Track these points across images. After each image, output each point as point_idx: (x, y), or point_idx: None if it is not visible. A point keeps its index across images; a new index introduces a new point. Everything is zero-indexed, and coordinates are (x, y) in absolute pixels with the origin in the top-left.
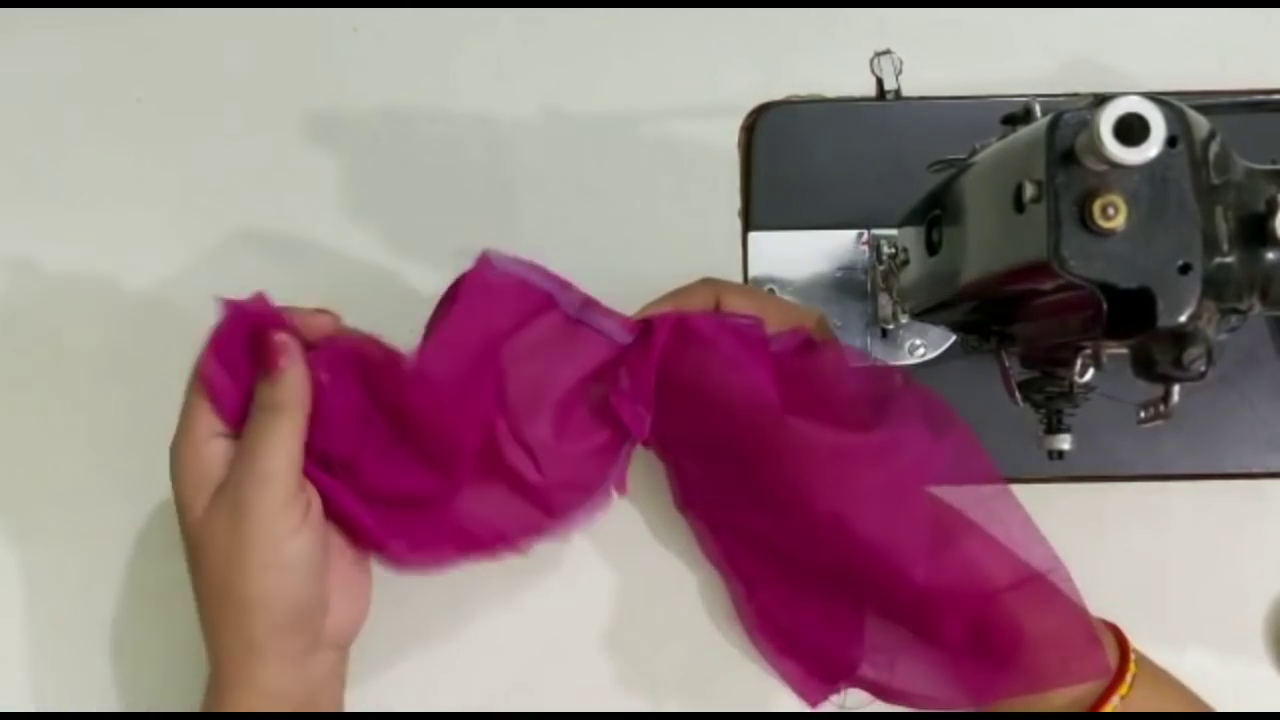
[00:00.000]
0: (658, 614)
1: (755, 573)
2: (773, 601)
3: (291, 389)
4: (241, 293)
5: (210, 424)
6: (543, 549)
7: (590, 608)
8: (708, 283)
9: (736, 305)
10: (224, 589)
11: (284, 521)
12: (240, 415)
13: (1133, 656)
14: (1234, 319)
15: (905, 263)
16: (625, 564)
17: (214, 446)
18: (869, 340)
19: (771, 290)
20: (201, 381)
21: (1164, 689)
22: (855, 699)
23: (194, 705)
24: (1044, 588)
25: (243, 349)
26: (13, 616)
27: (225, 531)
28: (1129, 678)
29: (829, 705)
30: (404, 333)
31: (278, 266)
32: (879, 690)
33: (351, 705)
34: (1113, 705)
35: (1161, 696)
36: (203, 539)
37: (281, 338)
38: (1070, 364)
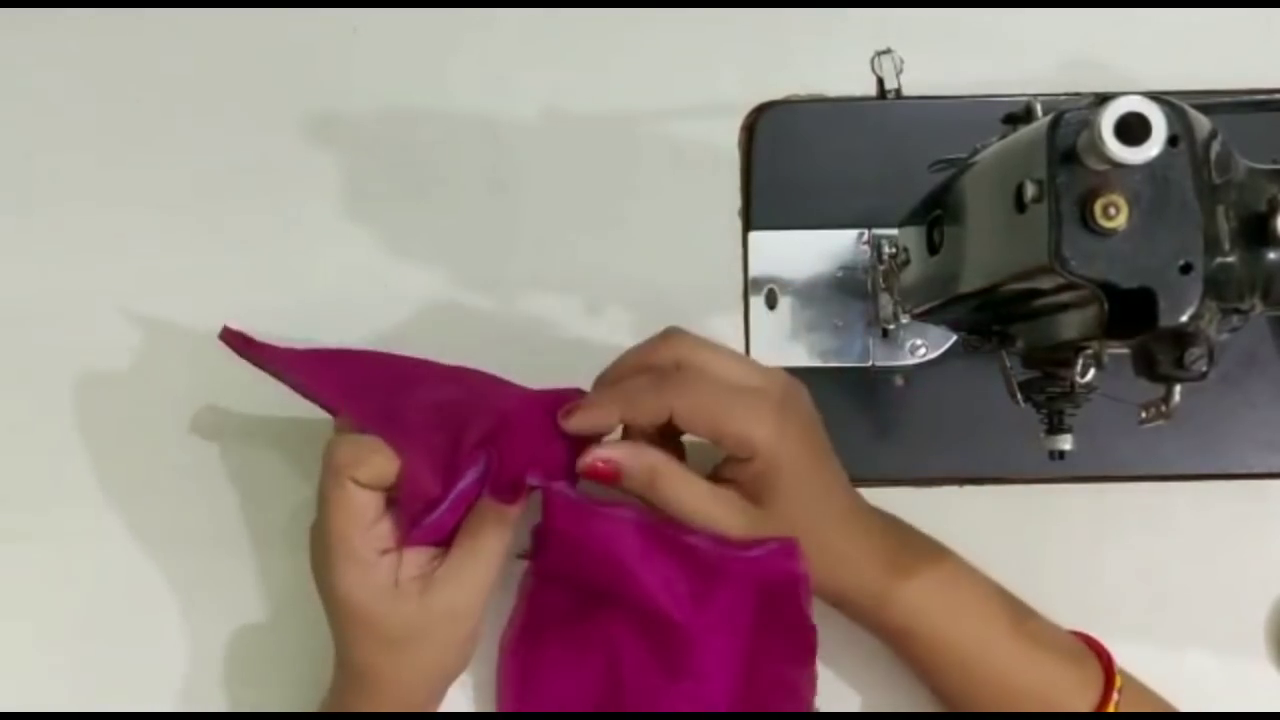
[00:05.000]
0: None
1: None
2: None
3: (519, 511)
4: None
5: (379, 543)
6: None
7: None
8: (658, 391)
9: (687, 420)
10: (421, 668)
11: (483, 610)
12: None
13: (1118, 681)
14: (1235, 319)
15: (906, 262)
16: None
17: (390, 562)
18: (870, 340)
19: (772, 291)
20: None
21: (1146, 704)
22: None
23: (194, 705)
24: None
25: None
26: (13, 616)
27: (439, 628)
28: (1114, 698)
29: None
30: (402, 332)
31: (277, 267)
32: None
33: None
34: None
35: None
36: (408, 636)
37: (524, 485)
38: (1071, 364)
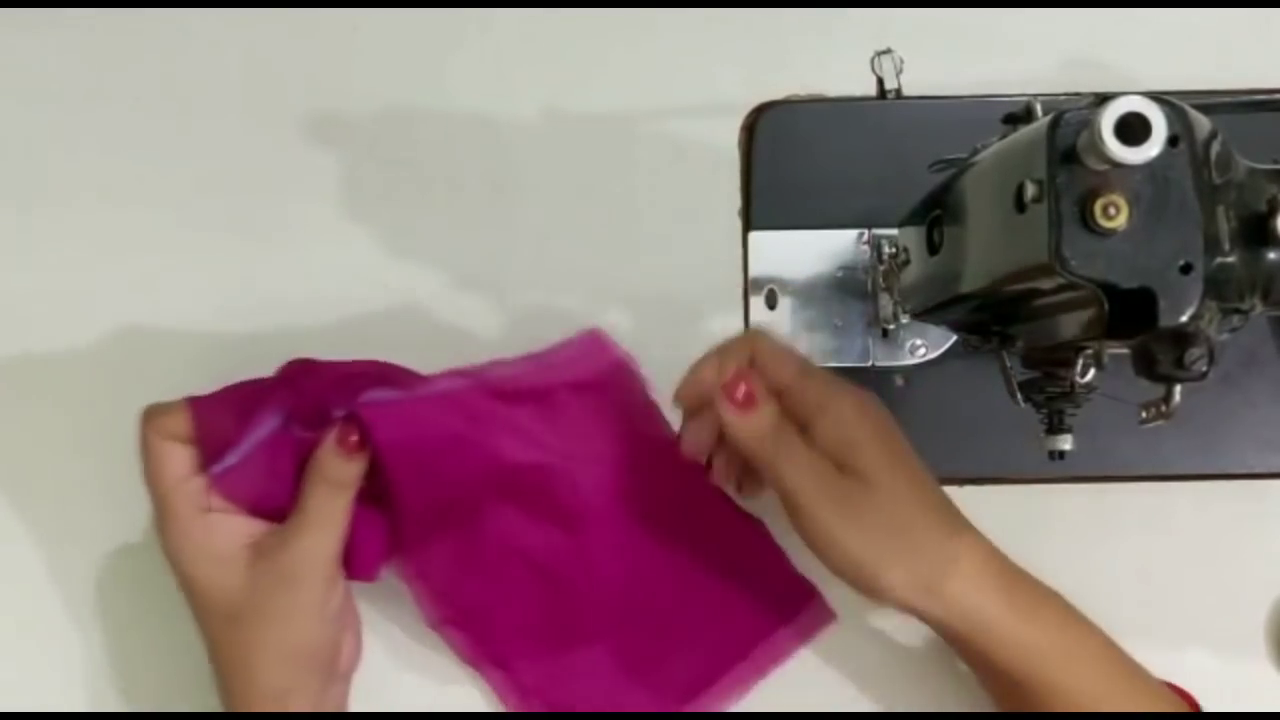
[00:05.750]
0: None
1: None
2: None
3: (361, 467)
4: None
5: (194, 500)
6: None
7: None
8: (742, 339)
9: (768, 352)
10: (263, 644)
11: (331, 582)
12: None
13: None
14: (1235, 319)
15: (906, 263)
16: None
17: (210, 522)
18: (870, 340)
19: (772, 291)
20: (202, 463)
21: None
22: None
23: (192, 705)
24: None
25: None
26: (12, 617)
27: (278, 594)
28: None
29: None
30: (400, 332)
31: (277, 266)
32: None
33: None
34: None
35: None
36: (247, 607)
37: (356, 431)
38: (1071, 364)
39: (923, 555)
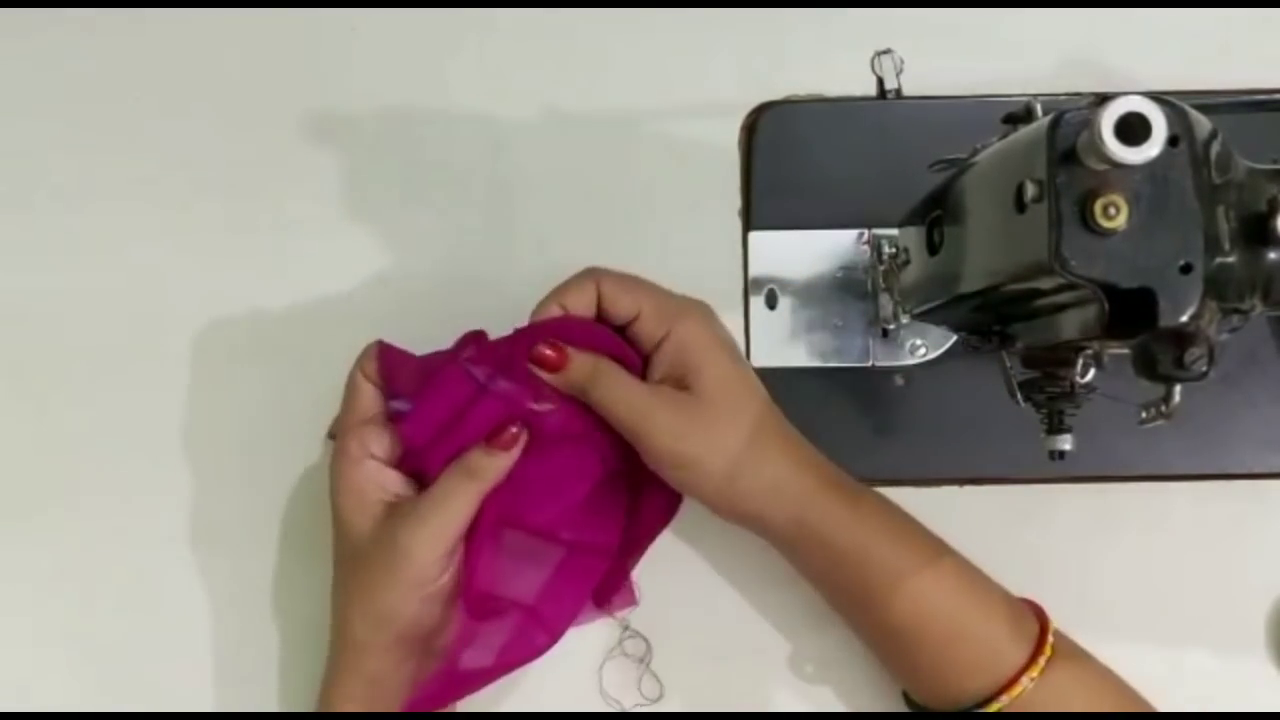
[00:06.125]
0: (655, 610)
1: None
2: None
3: (503, 467)
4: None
5: (363, 441)
6: None
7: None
8: (589, 273)
9: (614, 296)
10: (360, 595)
11: (438, 565)
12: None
13: (1050, 639)
14: (1235, 319)
15: (906, 263)
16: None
17: (368, 469)
18: (870, 340)
19: (772, 291)
20: (386, 413)
21: (1084, 672)
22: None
23: (191, 704)
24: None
25: (447, 400)
26: (12, 616)
27: (384, 556)
28: (1042, 660)
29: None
30: (400, 333)
31: (277, 266)
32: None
33: None
34: (1021, 687)
35: (1082, 682)
36: (361, 554)
37: (520, 429)
38: (1071, 364)
39: (769, 465)
